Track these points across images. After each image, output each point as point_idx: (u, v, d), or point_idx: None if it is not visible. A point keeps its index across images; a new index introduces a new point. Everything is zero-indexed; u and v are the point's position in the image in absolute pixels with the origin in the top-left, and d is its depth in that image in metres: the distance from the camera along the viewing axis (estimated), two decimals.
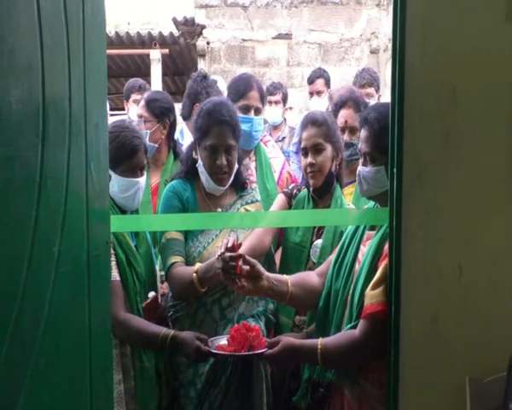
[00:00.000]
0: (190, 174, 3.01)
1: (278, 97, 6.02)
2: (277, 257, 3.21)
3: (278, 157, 3.95)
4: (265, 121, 5.24)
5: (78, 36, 1.83)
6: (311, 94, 5.81)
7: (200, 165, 2.92)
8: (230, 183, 2.97)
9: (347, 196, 3.40)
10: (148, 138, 3.94)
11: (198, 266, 2.71)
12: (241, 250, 2.62)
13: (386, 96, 5.24)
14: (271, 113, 5.95)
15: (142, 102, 4.04)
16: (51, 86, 1.66)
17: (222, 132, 2.87)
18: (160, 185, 3.81)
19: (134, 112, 4.65)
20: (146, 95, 4.17)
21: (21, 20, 1.52)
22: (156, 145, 3.89)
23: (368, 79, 5.08)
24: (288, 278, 2.59)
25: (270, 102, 5.99)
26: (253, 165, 3.70)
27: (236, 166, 2.97)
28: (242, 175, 3.09)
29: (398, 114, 2.01)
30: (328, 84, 5.79)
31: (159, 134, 3.96)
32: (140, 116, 4.02)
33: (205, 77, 4.17)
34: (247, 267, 2.50)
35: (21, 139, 1.55)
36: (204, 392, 2.75)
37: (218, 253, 2.56)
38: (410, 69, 1.99)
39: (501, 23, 1.95)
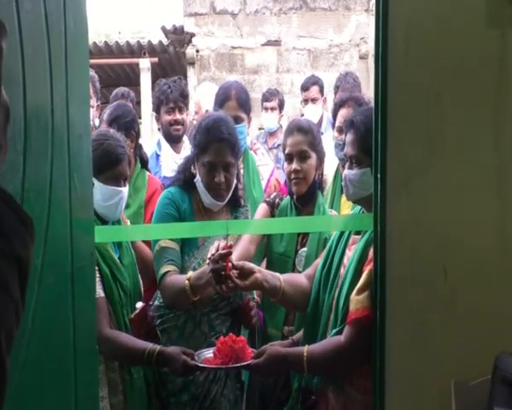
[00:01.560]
0: (188, 185, 2.97)
1: (274, 104, 5.98)
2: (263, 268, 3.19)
3: (268, 164, 3.94)
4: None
5: (60, 47, 1.83)
6: (306, 101, 5.77)
7: (198, 180, 2.89)
8: (228, 199, 2.94)
9: (346, 202, 3.40)
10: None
11: (191, 273, 2.68)
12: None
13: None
14: (267, 119, 5.92)
15: (104, 125, 3.89)
16: (33, 97, 1.65)
17: (221, 150, 2.83)
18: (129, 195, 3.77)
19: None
20: (106, 115, 3.99)
21: None
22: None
23: (351, 83, 5.07)
24: (280, 276, 2.58)
25: (266, 109, 5.96)
26: (240, 172, 3.69)
27: (235, 182, 2.95)
28: (238, 192, 3.07)
29: (381, 119, 2.01)
30: (322, 91, 5.75)
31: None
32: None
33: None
34: (235, 272, 2.48)
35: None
36: (194, 404, 2.75)
37: (209, 255, 2.54)
38: (393, 74, 2.00)
39: (482, 28, 1.96)
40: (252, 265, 2.55)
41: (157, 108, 4.39)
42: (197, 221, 2.89)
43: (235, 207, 3.05)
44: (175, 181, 3.06)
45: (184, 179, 2.99)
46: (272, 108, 5.97)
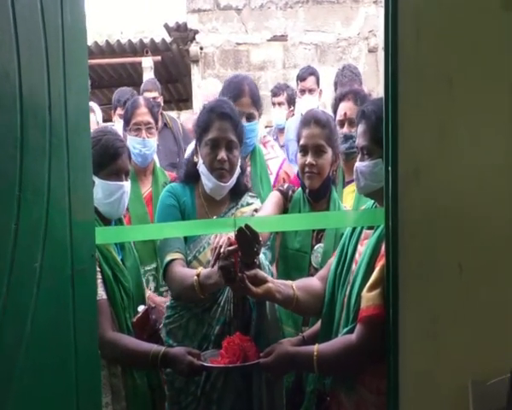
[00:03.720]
0: (190, 178, 2.97)
1: (282, 99, 5.93)
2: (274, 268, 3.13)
3: (277, 157, 3.85)
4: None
5: (57, 43, 1.80)
6: (303, 91, 5.71)
7: (200, 164, 2.88)
8: (231, 185, 2.91)
9: (349, 194, 3.36)
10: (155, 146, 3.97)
11: (200, 270, 2.63)
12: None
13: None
14: (275, 114, 5.87)
15: (144, 109, 3.97)
16: (29, 95, 1.62)
17: (223, 126, 2.84)
18: (153, 194, 3.77)
19: (120, 125, 4.48)
20: (143, 100, 4.07)
21: None
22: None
23: (349, 77, 5.01)
24: (293, 283, 2.53)
25: (274, 104, 5.91)
26: (247, 169, 3.63)
27: (238, 169, 2.93)
28: (243, 182, 3.04)
29: (392, 111, 1.95)
30: (318, 82, 5.70)
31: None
32: (147, 124, 3.97)
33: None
34: (252, 272, 2.42)
35: None
36: (201, 404, 2.71)
37: (212, 246, 2.52)
38: (403, 65, 1.93)
39: (496, 11, 1.88)
40: (264, 274, 2.48)
41: None
42: (198, 213, 2.88)
43: (238, 194, 3.01)
44: (176, 178, 3.09)
45: (187, 171, 3.00)
46: (279, 103, 5.91)
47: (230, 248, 2.43)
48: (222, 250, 2.44)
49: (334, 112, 3.75)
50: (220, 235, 2.53)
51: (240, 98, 3.53)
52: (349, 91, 3.68)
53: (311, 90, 5.59)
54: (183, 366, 2.46)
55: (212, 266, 2.49)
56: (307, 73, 5.72)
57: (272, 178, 3.66)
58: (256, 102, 3.64)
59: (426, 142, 1.93)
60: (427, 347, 1.94)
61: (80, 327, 1.78)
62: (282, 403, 2.77)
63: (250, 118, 3.56)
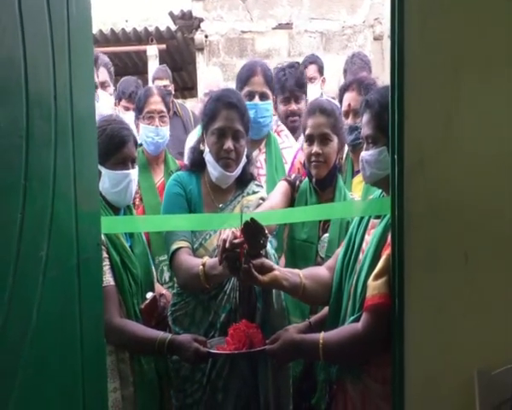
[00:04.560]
0: (196, 166, 2.98)
1: None
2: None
3: (291, 146, 3.84)
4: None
5: (63, 31, 1.79)
6: None
7: (206, 153, 2.89)
8: (237, 174, 2.92)
9: (358, 184, 3.35)
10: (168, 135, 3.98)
11: (206, 259, 2.64)
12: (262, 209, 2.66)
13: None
14: None
15: (157, 98, 3.97)
16: (35, 83, 1.61)
17: (230, 116, 2.84)
18: (165, 184, 3.78)
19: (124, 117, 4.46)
20: (156, 89, 4.08)
21: (1, 15, 1.46)
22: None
23: (359, 64, 4.97)
24: (300, 271, 2.53)
25: None
26: (262, 157, 3.63)
27: (244, 159, 2.93)
28: (249, 171, 3.04)
29: (397, 98, 1.94)
30: (321, 70, 5.61)
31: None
32: (160, 112, 3.97)
33: None
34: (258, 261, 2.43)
35: (4, 140, 1.50)
36: (207, 392, 2.72)
37: (218, 241, 2.51)
38: (409, 50, 1.92)
39: None
40: (271, 263, 2.49)
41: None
42: (204, 202, 2.90)
43: (244, 183, 3.02)
44: (182, 167, 3.10)
45: (193, 160, 3.01)
46: None
47: (235, 241, 2.43)
48: (226, 246, 2.44)
49: (340, 102, 3.73)
50: (225, 230, 2.53)
51: (252, 77, 3.59)
52: (353, 81, 3.66)
53: (311, 79, 5.53)
54: (190, 353, 2.47)
55: (220, 263, 2.49)
56: (308, 61, 5.63)
57: (287, 168, 3.66)
58: (269, 81, 3.66)
59: (432, 131, 1.92)
60: (433, 336, 1.94)
61: (86, 316, 1.77)
62: (288, 391, 2.79)
63: (263, 97, 3.59)
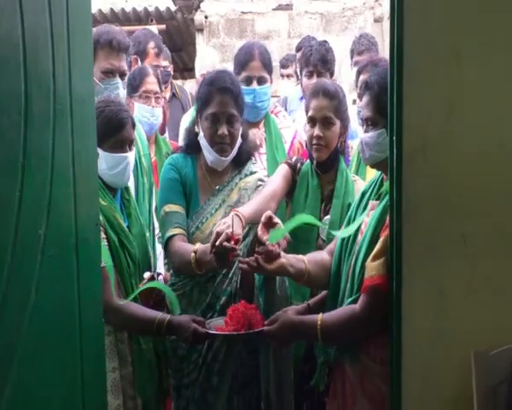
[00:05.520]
0: (192, 149, 2.97)
1: (290, 70, 5.81)
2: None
3: (290, 127, 3.84)
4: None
5: (62, 11, 1.78)
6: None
7: (201, 137, 2.88)
8: (233, 156, 2.91)
9: (371, 170, 3.34)
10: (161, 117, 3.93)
11: (198, 246, 2.66)
12: (245, 213, 2.63)
13: None
14: (283, 87, 5.77)
15: (153, 78, 3.92)
16: (33, 62, 1.62)
17: (223, 101, 2.82)
18: (157, 163, 3.76)
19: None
20: (152, 69, 4.00)
21: None
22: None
23: (366, 45, 4.95)
24: (304, 257, 2.54)
25: (282, 76, 5.81)
26: (262, 138, 3.63)
27: (240, 140, 2.91)
28: (245, 150, 3.01)
29: (397, 80, 1.92)
30: None
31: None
32: (156, 93, 3.93)
33: None
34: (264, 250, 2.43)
35: (3, 118, 1.50)
36: (202, 373, 2.74)
37: (213, 236, 2.51)
38: (409, 32, 1.89)
39: None
40: (278, 250, 2.48)
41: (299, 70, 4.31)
42: (199, 184, 2.91)
43: (241, 162, 3.01)
44: (178, 148, 3.08)
45: (188, 142, 3.00)
46: (288, 76, 5.80)
47: (226, 244, 2.45)
48: (217, 243, 2.46)
49: (356, 84, 3.74)
50: (225, 222, 2.56)
51: (250, 62, 3.56)
52: (368, 63, 3.61)
53: None
54: (188, 333, 2.47)
55: (210, 252, 2.52)
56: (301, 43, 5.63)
57: (286, 147, 3.66)
58: (267, 65, 3.64)
59: (432, 114, 1.91)
60: (431, 317, 1.94)
61: (84, 295, 1.78)
62: (289, 375, 2.81)
63: (261, 81, 3.58)
